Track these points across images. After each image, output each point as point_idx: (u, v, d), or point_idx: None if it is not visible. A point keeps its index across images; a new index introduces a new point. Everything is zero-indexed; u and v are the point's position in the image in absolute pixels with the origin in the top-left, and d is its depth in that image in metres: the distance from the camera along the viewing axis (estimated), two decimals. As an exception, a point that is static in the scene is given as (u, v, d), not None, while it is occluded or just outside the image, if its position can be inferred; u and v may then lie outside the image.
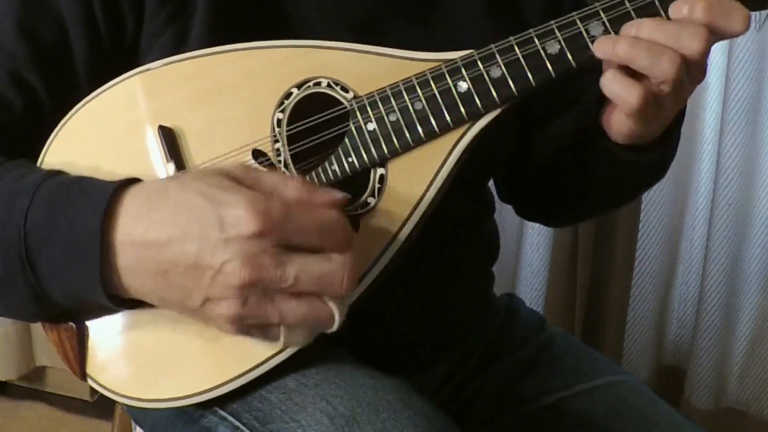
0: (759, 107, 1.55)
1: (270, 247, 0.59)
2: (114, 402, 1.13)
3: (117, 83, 0.74)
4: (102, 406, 1.84)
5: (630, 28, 0.69)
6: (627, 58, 0.68)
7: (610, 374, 0.91)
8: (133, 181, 0.65)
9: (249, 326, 0.63)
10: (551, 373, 0.92)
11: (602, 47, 0.69)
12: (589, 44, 0.70)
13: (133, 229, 0.62)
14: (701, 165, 1.66)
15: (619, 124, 0.75)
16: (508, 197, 1.02)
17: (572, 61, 0.70)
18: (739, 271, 1.64)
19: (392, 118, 0.71)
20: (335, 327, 0.63)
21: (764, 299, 1.63)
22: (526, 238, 1.71)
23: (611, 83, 0.70)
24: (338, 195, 0.63)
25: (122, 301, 0.66)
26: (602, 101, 0.79)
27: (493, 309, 0.98)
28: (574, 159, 0.88)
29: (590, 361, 0.94)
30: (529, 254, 1.72)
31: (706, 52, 0.68)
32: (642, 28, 0.68)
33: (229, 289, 0.60)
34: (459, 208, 0.87)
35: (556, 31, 0.70)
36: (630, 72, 0.70)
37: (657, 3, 0.70)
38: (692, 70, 0.69)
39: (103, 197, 0.63)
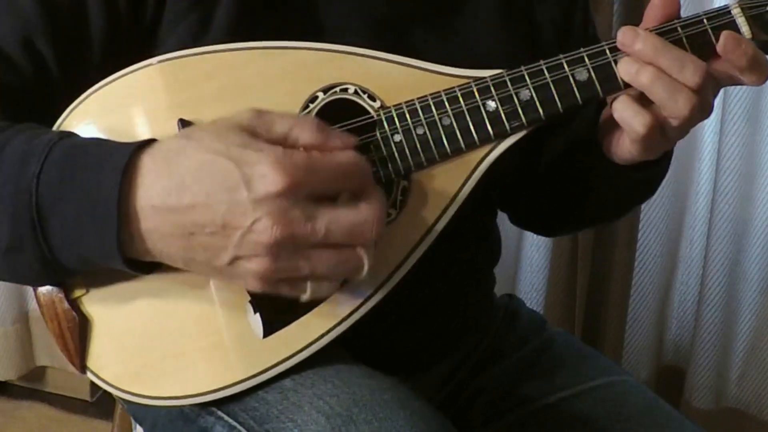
0: (759, 107, 1.55)
1: (298, 202, 0.59)
2: (114, 402, 1.13)
3: (136, 70, 0.71)
4: (102, 406, 1.84)
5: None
6: (646, 88, 0.70)
7: (610, 374, 0.91)
8: (149, 142, 0.64)
9: (278, 282, 0.62)
10: (551, 373, 0.92)
11: (625, 69, 0.71)
12: (618, 74, 0.71)
13: (154, 193, 0.61)
14: (701, 165, 1.66)
15: (621, 148, 0.76)
16: (502, 205, 1.02)
17: (599, 90, 0.72)
18: (739, 272, 1.63)
19: (419, 131, 0.72)
20: (364, 274, 0.63)
21: (764, 299, 1.63)
22: (526, 238, 1.71)
23: (623, 108, 0.72)
24: (352, 138, 0.63)
25: (140, 265, 0.66)
26: (599, 116, 0.79)
27: (493, 309, 0.98)
28: (566, 171, 0.88)
29: (590, 361, 0.94)
30: (529, 254, 1.72)
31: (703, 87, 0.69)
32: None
33: (260, 247, 0.60)
34: (462, 208, 0.87)
35: (586, 59, 0.71)
36: (644, 100, 0.71)
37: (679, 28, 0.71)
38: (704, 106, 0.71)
39: (121, 159, 0.62)
